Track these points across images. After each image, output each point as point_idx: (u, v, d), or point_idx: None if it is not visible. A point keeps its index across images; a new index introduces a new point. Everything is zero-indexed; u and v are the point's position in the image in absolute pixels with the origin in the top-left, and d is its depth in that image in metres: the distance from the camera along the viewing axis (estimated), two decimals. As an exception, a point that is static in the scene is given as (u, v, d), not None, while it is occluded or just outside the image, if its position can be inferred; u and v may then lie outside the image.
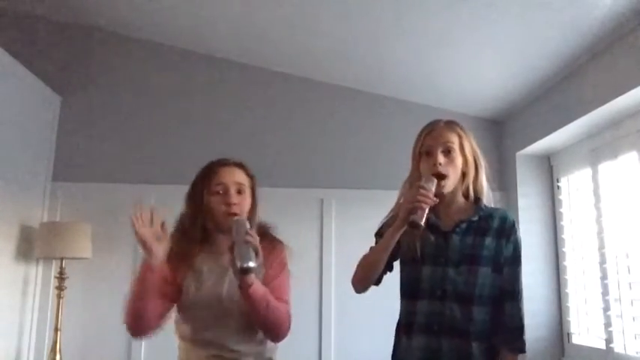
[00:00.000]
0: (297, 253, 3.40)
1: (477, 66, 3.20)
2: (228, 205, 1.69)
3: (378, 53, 3.29)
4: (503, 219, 1.70)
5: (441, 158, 1.64)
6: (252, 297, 1.59)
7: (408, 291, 1.67)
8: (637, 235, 2.67)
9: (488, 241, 1.65)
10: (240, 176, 1.76)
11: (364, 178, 3.67)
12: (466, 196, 1.72)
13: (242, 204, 1.72)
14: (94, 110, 3.65)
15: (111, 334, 3.32)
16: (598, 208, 2.99)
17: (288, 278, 1.79)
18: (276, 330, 1.70)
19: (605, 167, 2.97)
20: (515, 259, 1.70)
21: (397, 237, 1.59)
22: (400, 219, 1.56)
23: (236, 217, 1.65)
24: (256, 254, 1.55)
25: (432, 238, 1.64)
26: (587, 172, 3.14)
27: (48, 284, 3.32)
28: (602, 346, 2.90)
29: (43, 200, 3.43)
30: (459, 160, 1.67)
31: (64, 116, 3.60)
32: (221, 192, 1.71)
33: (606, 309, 2.88)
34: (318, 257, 3.54)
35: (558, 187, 3.50)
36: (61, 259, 3.19)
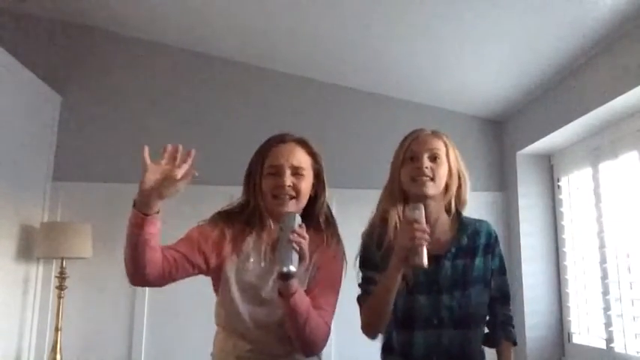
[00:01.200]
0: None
1: (478, 66, 3.19)
2: (280, 187, 1.52)
3: (378, 53, 3.29)
4: (488, 235, 1.66)
5: (427, 162, 1.58)
6: (291, 307, 1.41)
7: (403, 321, 1.59)
8: (637, 234, 2.67)
9: (478, 261, 1.62)
10: (299, 156, 1.57)
11: (364, 177, 3.66)
12: (447, 210, 1.66)
13: (298, 187, 1.54)
14: (95, 110, 3.65)
15: (111, 333, 3.33)
16: (598, 208, 2.99)
17: (337, 284, 1.61)
18: (310, 346, 1.52)
19: (606, 167, 2.97)
20: (502, 269, 1.70)
21: (399, 278, 1.48)
22: (398, 260, 1.46)
23: (287, 211, 1.46)
24: (301, 258, 1.37)
25: (417, 270, 1.54)
26: (588, 171, 3.14)
27: (48, 284, 3.32)
28: (603, 345, 2.90)
29: (43, 200, 3.43)
30: (444, 169, 1.60)
31: (65, 116, 3.60)
32: (274, 173, 1.54)
33: (607, 309, 2.88)
34: (318, 257, 3.53)
35: (559, 186, 3.50)
36: (62, 258, 3.19)
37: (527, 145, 3.44)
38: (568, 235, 3.37)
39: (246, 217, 1.58)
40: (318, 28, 3.17)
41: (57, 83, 3.53)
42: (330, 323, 1.58)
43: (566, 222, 3.39)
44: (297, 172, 1.55)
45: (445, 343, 1.56)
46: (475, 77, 3.33)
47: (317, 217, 1.62)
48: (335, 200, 3.58)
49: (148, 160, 1.40)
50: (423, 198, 1.58)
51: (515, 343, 1.73)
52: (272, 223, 1.59)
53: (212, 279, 1.66)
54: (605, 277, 2.91)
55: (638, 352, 2.65)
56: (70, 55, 3.68)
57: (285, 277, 1.35)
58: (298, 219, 1.43)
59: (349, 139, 3.72)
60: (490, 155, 3.77)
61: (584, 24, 2.52)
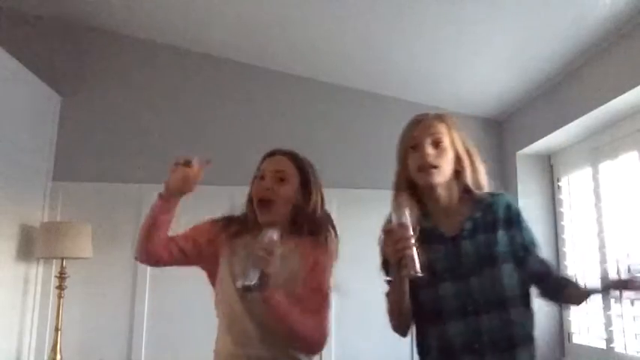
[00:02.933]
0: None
1: (478, 66, 3.19)
2: (262, 190, 1.65)
3: (378, 53, 3.29)
4: (507, 208, 1.53)
5: (429, 149, 1.48)
6: (269, 305, 1.50)
7: (432, 315, 1.47)
8: (637, 234, 2.67)
9: (501, 234, 1.49)
10: (283, 164, 1.70)
11: (363, 177, 3.66)
12: (462, 196, 1.55)
13: (278, 191, 1.64)
14: (95, 110, 3.65)
15: (111, 333, 3.32)
16: (598, 208, 2.99)
17: (324, 284, 1.65)
18: (301, 343, 1.59)
19: (606, 167, 2.97)
20: (533, 243, 1.54)
21: (403, 289, 1.43)
22: (395, 274, 1.42)
23: (268, 227, 1.52)
24: (262, 277, 1.42)
25: (441, 249, 1.47)
26: (588, 171, 3.14)
27: (48, 284, 3.32)
28: (603, 345, 2.90)
29: (43, 200, 3.43)
30: (449, 154, 1.50)
31: (65, 116, 3.60)
32: (260, 177, 1.69)
33: (607, 308, 2.88)
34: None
35: (559, 186, 3.50)
36: (62, 258, 3.18)
37: (527, 145, 3.44)
38: (568, 234, 3.37)
39: (243, 221, 1.71)
40: (318, 29, 3.17)
41: (57, 83, 3.53)
42: (325, 322, 1.61)
43: (566, 222, 3.39)
44: (281, 176, 1.66)
45: (486, 329, 1.42)
46: (475, 77, 3.33)
47: (307, 224, 1.69)
48: (337, 200, 3.62)
49: (179, 165, 1.66)
50: (431, 187, 1.50)
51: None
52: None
53: (209, 276, 1.76)
54: (605, 277, 2.90)
55: (638, 352, 2.65)
56: (70, 55, 3.68)
57: (246, 289, 1.43)
58: (272, 234, 1.48)
59: (351, 139, 3.73)
60: (490, 155, 3.75)
61: (584, 24, 2.52)
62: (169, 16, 3.42)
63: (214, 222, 1.75)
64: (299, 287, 1.60)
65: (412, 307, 1.51)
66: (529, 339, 1.49)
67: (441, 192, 1.52)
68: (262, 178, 1.68)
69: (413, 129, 1.54)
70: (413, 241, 1.35)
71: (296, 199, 1.67)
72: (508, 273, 1.46)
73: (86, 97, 3.65)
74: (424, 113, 1.58)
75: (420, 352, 1.55)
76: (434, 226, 1.51)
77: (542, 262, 1.53)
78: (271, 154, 1.75)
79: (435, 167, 1.48)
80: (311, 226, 1.68)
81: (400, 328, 1.54)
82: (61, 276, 3.18)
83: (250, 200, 1.70)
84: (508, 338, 1.44)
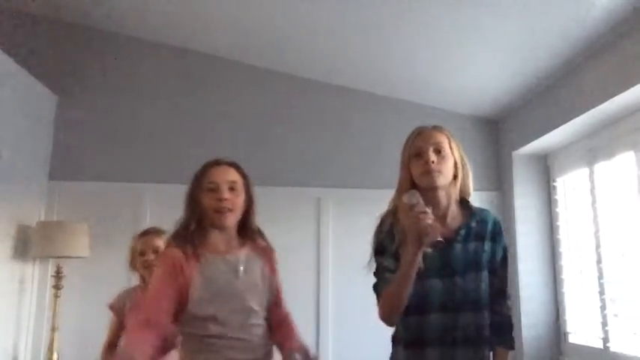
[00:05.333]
0: (294, 251, 3.43)
1: (474, 66, 3.20)
2: (220, 200, 1.70)
3: (375, 52, 3.29)
4: (494, 223, 1.72)
5: (432, 156, 1.64)
6: None
7: (416, 306, 1.60)
8: (633, 234, 2.68)
9: (487, 245, 1.67)
10: (232, 175, 1.76)
11: (361, 177, 3.67)
12: (457, 200, 1.72)
13: (234, 201, 1.72)
14: (91, 109, 3.64)
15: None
16: (594, 208, 3.00)
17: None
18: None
19: (602, 167, 2.99)
20: (506, 260, 1.74)
21: (417, 263, 1.53)
22: (412, 246, 1.51)
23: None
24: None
25: (434, 249, 1.58)
26: (584, 171, 3.15)
27: (45, 283, 3.31)
28: (600, 345, 2.91)
29: (40, 199, 3.42)
30: (450, 160, 1.67)
31: (61, 115, 3.59)
32: (213, 189, 1.72)
33: (603, 308, 2.89)
34: (315, 256, 3.54)
35: (554, 186, 3.51)
36: (58, 258, 3.18)
37: (523, 145, 3.45)
38: (564, 235, 3.38)
39: (194, 235, 1.72)
40: (316, 28, 3.17)
41: (53, 82, 3.52)
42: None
43: (562, 222, 3.40)
44: (232, 186, 1.73)
45: (462, 326, 1.60)
46: (472, 77, 3.34)
47: (252, 229, 1.80)
48: (332, 199, 3.63)
49: None
50: (434, 190, 1.64)
51: (511, 348, 1.74)
52: (215, 234, 1.73)
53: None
54: (601, 276, 2.92)
55: (634, 352, 2.66)
56: (67, 55, 3.67)
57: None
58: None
59: (346, 138, 3.73)
60: (486, 155, 3.78)
61: (580, 25, 2.53)
62: (166, 15, 3.41)
63: (170, 257, 1.68)
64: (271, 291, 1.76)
65: None
66: (488, 340, 1.66)
67: (442, 195, 1.66)
68: (215, 190, 1.71)
69: (415, 139, 1.70)
70: (430, 215, 1.51)
71: (244, 207, 1.78)
72: (485, 280, 1.65)
73: (82, 96, 3.65)
74: (424, 126, 1.74)
75: (395, 341, 1.70)
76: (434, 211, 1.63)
77: (502, 282, 1.73)
78: (216, 163, 1.78)
79: (439, 171, 1.63)
80: (257, 233, 1.81)
81: (394, 316, 1.61)
82: (58, 275, 3.18)
83: (194, 209, 1.72)
84: (478, 336, 1.62)
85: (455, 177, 1.68)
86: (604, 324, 2.88)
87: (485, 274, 1.65)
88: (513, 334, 1.76)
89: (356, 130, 3.76)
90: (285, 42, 3.44)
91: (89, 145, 3.57)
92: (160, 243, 2.40)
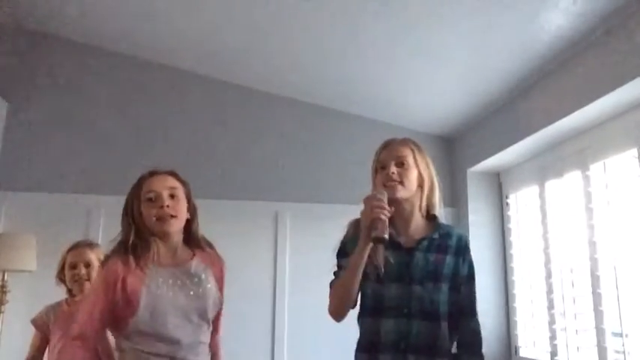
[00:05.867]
0: (251, 264, 3.40)
1: (430, 85, 3.27)
2: (161, 208, 1.66)
3: (335, 70, 3.33)
4: (460, 238, 1.75)
5: (393, 168, 1.68)
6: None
7: (372, 310, 1.65)
8: (581, 250, 2.77)
9: (449, 259, 1.69)
10: (171, 181, 1.73)
11: (319, 192, 3.68)
12: (422, 213, 1.75)
13: (176, 208, 1.69)
14: (42, 118, 3.53)
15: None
16: (544, 224, 3.09)
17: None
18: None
19: (552, 185, 3.08)
20: (472, 277, 1.76)
21: (365, 256, 1.58)
22: (362, 238, 1.57)
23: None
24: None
25: (395, 255, 1.64)
26: (535, 189, 3.24)
27: (-12, 298, 3.17)
28: (548, 358, 2.99)
29: (-15, 210, 3.28)
30: (413, 173, 1.70)
31: (11, 123, 3.47)
32: (153, 199, 1.68)
33: (551, 322, 2.97)
34: (272, 270, 3.51)
35: (507, 203, 3.60)
36: (3, 271, 3.06)
37: (477, 163, 3.54)
38: (516, 250, 3.46)
39: (136, 247, 1.66)
40: (279, 44, 3.18)
41: (3, 89, 3.41)
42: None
43: (514, 238, 3.49)
44: (173, 193, 1.70)
45: (414, 333, 1.61)
46: (428, 96, 3.41)
47: (198, 237, 1.77)
48: (290, 213, 3.62)
49: None
50: (395, 201, 1.65)
51: None
52: (159, 245, 1.68)
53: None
54: (550, 291, 3.00)
55: (580, 365, 2.74)
56: (19, 61, 3.56)
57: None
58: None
59: (305, 154, 3.74)
60: (441, 171, 3.74)
61: (532, 48, 2.63)
62: (121, 24, 3.36)
63: (111, 269, 1.63)
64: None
65: (357, 299, 1.68)
66: (448, 354, 1.67)
67: (405, 207, 1.70)
68: (155, 199, 1.67)
69: (381, 153, 1.75)
70: (387, 211, 1.54)
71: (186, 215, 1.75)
72: (444, 292, 1.67)
73: (34, 104, 3.54)
74: (392, 138, 1.79)
75: (358, 348, 1.72)
76: (395, 235, 1.67)
77: (469, 299, 1.74)
78: (153, 172, 1.74)
79: (399, 183, 1.67)
80: (203, 241, 1.78)
81: (340, 309, 1.66)
82: (2, 290, 3.05)
83: (132, 221, 1.68)
84: (431, 347, 1.62)
85: (421, 188, 1.72)
86: (552, 338, 2.96)
87: (444, 286, 1.66)
88: (483, 352, 1.76)
89: (314, 145, 3.77)
90: (244, 55, 3.43)
91: (39, 154, 3.47)
92: (93, 256, 2.33)
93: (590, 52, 2.48)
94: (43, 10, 3.38)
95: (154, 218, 1.66)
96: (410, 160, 1.71)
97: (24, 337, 3.16)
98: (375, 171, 1.74)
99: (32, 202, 3.38)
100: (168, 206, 1.66)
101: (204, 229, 1.83)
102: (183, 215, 1.71)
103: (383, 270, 1.61)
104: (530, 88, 2.96)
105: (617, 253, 2.54)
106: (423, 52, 2.91)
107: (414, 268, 1.64)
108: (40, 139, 3.50)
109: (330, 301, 1.67)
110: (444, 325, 1.65)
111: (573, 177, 2.89)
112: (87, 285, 2.34)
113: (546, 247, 3.06)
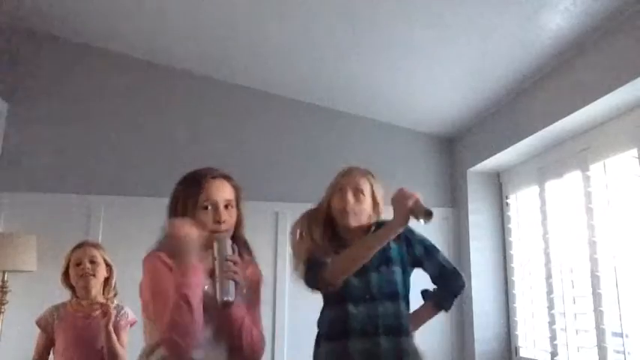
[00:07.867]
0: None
1: (431, 85, 3.27)
2: (218, 223, 1.63)
3: (335, 70, 3.33)
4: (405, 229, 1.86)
5: (350, 197, 1.84)
6: (231, 318, 1.58)
7: (338, 297, 1.79)
8: (581, 250, 2.77)
9: (392, 244, 1.82)
10: (228, 191, 1.71)
11: (319, 192, 3.65)
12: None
13: (229, 221, 1.67)
14: (42, 118, 3.53)
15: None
16: (544, 225, 3.09)
17: (260, 299, 1.78)
18: (247, 353, 1.63)
19: (552, 185, 3.08)
20: (431, 249, 1.89)
21: (393, 236, 1.73)
22: (398, 220, 1.69)
23: (217, 234, 1.59)
24: (236, 285, 1.54)
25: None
26: (535, 189, 3.24)
27: (-12, 298, 3.17)
28: (548, 358, 2.99)
29: (-15, 210, 3.29)
30: (367, 204, 1.85)
31: (11, 124, 3.47)
32: (210, 208, 1.64)
33: (552, 322, 2.97)
34: (272, 270, 3.51)
35: (507, 203, 3.60)
36: (3, 271, 3.06)
37: (477, 163, 3.53)
38: (516, 250, 3.46)
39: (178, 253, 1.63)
40: (271, 41, 3.18)
41: (4, 90, 3.41)
42: (262, 334, 1.70)
43: (514, 238, 3.49)
44: (228, 204, 1.69)
45: (380, 315, 1.76)
46: (428, 96, 3.41)
47: (241, 241, 1.77)
48: (290, 213, 3.60)
49: None
50: (348, 229, 1.84)
51: (445, 309, 1.89)
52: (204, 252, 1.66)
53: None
54: (550, 291, 3.00)
55: (580, 365, 2.74)
56: (18, 62, 3.56)
57: (226, 305, 1.53)
58: (229, 242, 1.59)
59: (306, 153, 3.74)
60: (441, 172, 3.85)
61: (532, 47, 2.63)
62: (120, 24, 3.36)
63: (165, 267, 1.59)
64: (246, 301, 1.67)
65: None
66: (408, 333, 1.82)
67: (356, 232, 1.85)
68: (213, 209, 1.64)
69: (342, 178, 1.91)
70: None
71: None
72: (398, 274, 1.83)
73: (34, 105, 3.54)
74: (354, 166, 1.94)
75: (318, 340, 1.89)
76: (348, 242, 1.84)
77: (443, 266, 1.88)
78: (212, 175, 1.71)
79: (354, 213, 1.83)
80: (244, 246, 1.77)
81: (346, 272, 1.76)
82: (2, 290, 3.05)
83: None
84: (398, 326, 1.78)
85: (369, 217, 1.86)
86: (552, 338, 2.96)
87: (397, 269, 1.82)
88: (451, 301, 1.88)
89: (316, 145, 3.76)
90: (240, 55, 3.43)
91: (39, 154, 3.46)
92: (97, 253, 2.33)
93: (590, 52, 2.49)
94: (44, 11, 3.38)
95: (209, 230, 1.62)
96: (367, 191, 1.86)
97: (24, 337, 3.16)
98: (333, 192, 1.90)
99: (32, 202, 3.38)
100: (224, 221, 1.64)
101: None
102: (233, 226, 1.70)
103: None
104: (530, 88, 2.97)
105: (617, 253, 2.54)
106: (423, 52, 2.91)
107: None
108: (40, 140, 3.49)
109: (334, 264, 1.77)
110: (403, 304, 1.81)
111: (573, 177, 2.89)
112: (92, 280, 2.34)
113: (546, 248, 3.06)
